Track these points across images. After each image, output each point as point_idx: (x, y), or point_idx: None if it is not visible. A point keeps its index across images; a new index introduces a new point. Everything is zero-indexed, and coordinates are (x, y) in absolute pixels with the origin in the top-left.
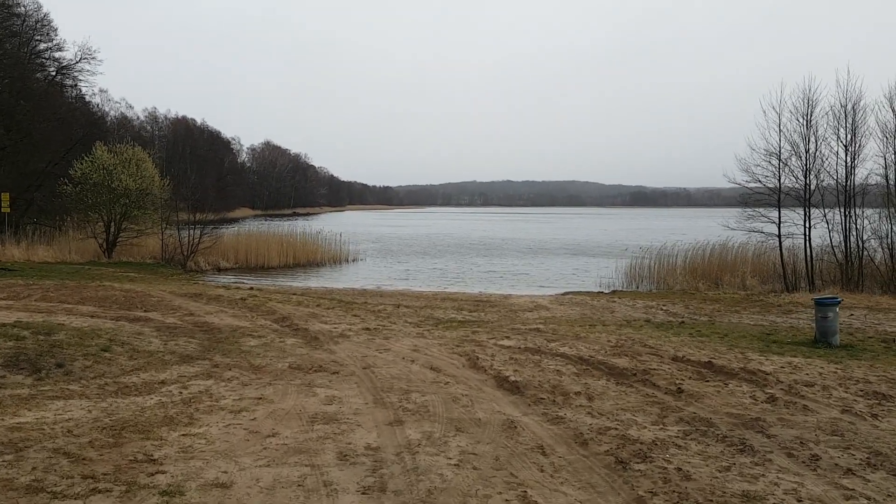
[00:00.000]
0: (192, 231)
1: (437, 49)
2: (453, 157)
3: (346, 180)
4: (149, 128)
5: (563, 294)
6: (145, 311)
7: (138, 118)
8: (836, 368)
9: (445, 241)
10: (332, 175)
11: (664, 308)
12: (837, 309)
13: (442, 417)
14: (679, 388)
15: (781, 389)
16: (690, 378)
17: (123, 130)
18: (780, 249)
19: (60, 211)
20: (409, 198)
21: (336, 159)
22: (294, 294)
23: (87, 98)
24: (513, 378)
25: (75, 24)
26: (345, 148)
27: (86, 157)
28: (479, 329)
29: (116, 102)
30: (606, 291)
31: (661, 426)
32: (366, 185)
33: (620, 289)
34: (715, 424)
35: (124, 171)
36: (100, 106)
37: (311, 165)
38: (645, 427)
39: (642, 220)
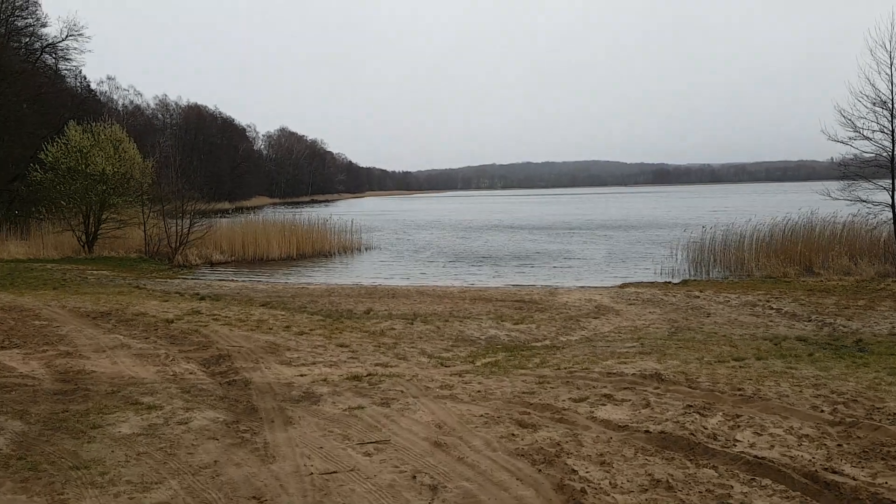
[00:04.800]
0: (180, 221)
1: (457, 34)
2: (472, 140)
3: (365, 166)
4: (160, 116)
5: (621, 286)
6: (1, 347)
7: (149, 106)
8: None
9: (467, 227)
10: (350, 161)
11: (773, 306)
12: None
13: None
14: None
15: None
16: None
17: (133, 119)
18: (895, 223)
19: (41, 201)
20: (429, 182)
21: (354, 146)
22: (265, 304)
23: (78, 79)
24: None
25: (89, 16)
26: (363, 134)
27: (58, 140)
28: (545, 367)
29: (125, 90)
30: (675, 281)
31: None
32: (385, 170)
33: (689, 277)
34: None
35: (100, 154)
36: (107, 94)
37: (329, 152)
38: None
39: (675, 199)
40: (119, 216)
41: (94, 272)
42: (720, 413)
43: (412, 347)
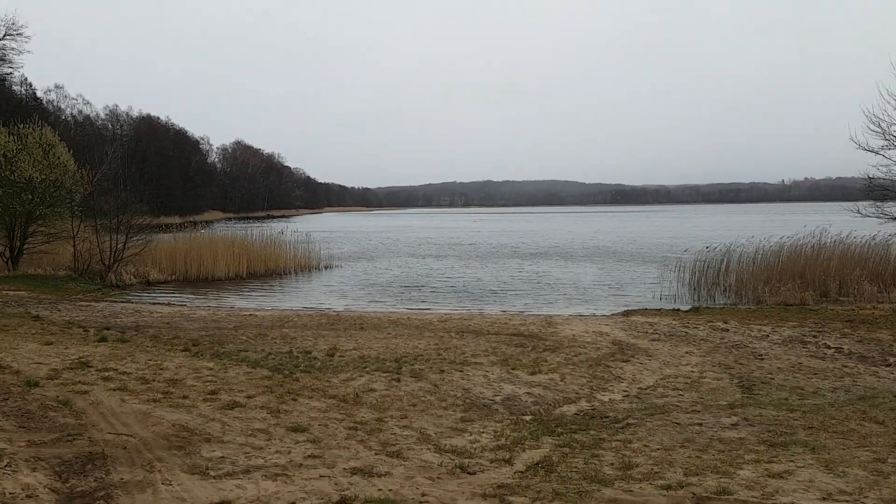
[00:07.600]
0: (114, 236)
1: (418, 54)
2: (433, 159)
3: (323, 182)
4: (110, 126)
5: (625, 314)
6: None
7: (98, 116)
8: None
9: (434, 245)
10: (308, 176)
11: (829, 344)
12: None
13: None
14: None
15: None
16: None
17: (82, 129)
18: None
19: None
20: (390, 199)
21: (313, 161)
22: (191, 346)
23: (24, 85)
24: None
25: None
26: (322, 150)
27: None
28: (639, 482)
29: (73, 99)
30: (685, 309)
31: None
32: (344, 186)
33: (695, 303)
34: None
35: (27, 159)
36: (55, 102)
37: (286, 166)
38: None
39: (640, 219)
40: (48, 229)
41: (10, 293)
42: None
43: (406, 427)
